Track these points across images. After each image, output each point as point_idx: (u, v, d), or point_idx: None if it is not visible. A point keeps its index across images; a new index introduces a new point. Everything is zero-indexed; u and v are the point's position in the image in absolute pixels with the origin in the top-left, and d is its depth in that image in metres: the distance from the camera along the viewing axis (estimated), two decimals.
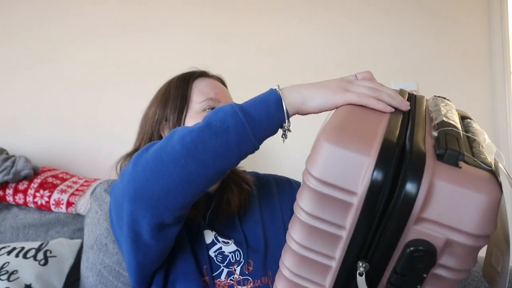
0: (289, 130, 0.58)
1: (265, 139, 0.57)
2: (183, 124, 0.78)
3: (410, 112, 0.51)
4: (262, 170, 0.98)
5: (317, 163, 0.41)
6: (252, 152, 0.56)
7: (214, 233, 0.76)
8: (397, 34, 1.54)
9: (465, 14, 1.59)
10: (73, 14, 1.38)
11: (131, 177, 0.56)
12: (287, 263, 0.47)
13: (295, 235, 0.45)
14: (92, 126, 1.36)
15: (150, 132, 0.81)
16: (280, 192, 0.91)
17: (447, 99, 0.58)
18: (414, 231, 0.39)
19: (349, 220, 0.40)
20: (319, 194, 0.41)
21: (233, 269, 0.74)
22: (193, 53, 1.41)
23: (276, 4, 1.47)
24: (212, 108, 0.79)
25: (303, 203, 0.43)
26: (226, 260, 0.74)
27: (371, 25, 1.53)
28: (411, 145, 0.40)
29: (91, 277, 1.02)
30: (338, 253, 0.43)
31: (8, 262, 0.97)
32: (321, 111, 0.56)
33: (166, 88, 0.83)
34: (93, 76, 1.37)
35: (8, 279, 0.93)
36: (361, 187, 0.39)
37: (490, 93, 1.59)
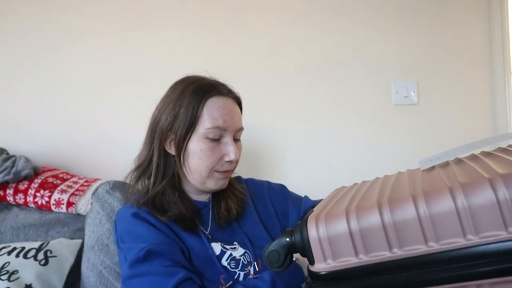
0: None
1: None
2: (186, 144, 0.77)
3: None
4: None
5: None
6: None
7: (219, 243, 0.79)
8: (397, 34, 1.54)
9: (465, 14, 1.59)
10: (74, 13, 1.37)
11: None
12: None
13: None
14: (92, 126, 1.35)
15: (158, 143, 0.79)
16: (271, 193, 0.95)
17: None
18: None
19: None
20: None
21: (248, 270, 0.77)
22: (194, 53, 1.41)
23: (276, 3, 1.47)
24: (217, 140, 0.78)
25: None
26: (239, 264, 0.77)
27: (371, 25, 1.53)
28: None
29: (92, 277, 1.02)
30: None
31: (9, 262, 0.97)
32: None
33: (179, 96, 0.78)
34: (93, 76, 1.37)
35: (8, 279, 0.93)
36: None
37: (490, 93, 1.59)
